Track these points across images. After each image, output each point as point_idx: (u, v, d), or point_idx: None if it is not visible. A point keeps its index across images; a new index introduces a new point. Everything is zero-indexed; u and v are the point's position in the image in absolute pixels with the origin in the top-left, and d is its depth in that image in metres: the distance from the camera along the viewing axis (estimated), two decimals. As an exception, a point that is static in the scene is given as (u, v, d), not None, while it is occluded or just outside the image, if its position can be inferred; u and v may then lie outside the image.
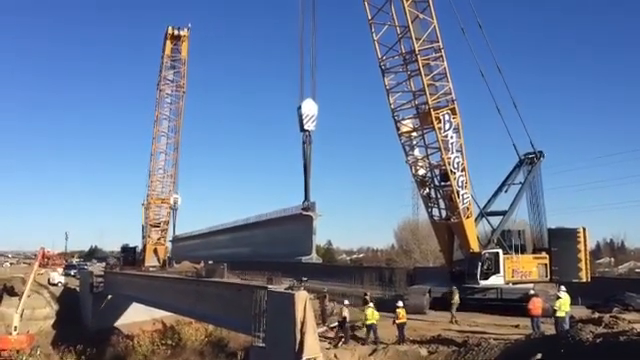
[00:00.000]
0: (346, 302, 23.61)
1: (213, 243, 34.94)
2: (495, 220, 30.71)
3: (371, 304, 22.66)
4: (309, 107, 19.11)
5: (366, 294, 29.61)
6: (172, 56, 52.33)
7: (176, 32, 51.70)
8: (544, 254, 30.30)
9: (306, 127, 19.07)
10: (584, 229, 30.28)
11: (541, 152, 32.29)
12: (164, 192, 52.80)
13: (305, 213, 18.85)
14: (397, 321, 21.62)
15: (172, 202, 52.69)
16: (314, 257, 18.67)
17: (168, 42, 51.89)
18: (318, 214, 17.12)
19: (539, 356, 15.24)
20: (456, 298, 25.59)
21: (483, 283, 27.60)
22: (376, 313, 21.78)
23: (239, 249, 29.52)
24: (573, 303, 21.44)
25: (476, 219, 29.65)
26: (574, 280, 28.91)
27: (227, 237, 30.01)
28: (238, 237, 28.01)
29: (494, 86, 31.64)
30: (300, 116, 19.05)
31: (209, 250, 36.05)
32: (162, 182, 52.69)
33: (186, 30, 52.06)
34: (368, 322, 21.53)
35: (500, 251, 28.59)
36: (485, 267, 27.89)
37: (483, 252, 28.25)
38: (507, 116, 31.51)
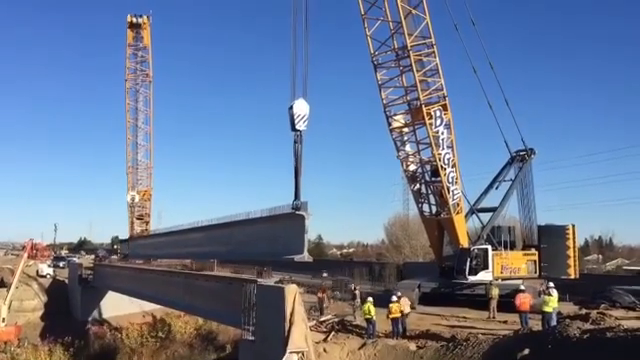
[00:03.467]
0: (399, 293, 23.13)
1: (184, 241, 33.38)
2: (485, 216, 30.95)
3: (370, 299, 22.66)
4: (301, 107, 18.79)
5: (355, 288, 29.73)
6: (135, 45, 51.59)
7: (135, 20, 50.94)
8: (533, 250, 30.60)
9: (297, 127, 18.78)
10: (573, 226, 30.66)
11: (532, 149, 32.60)
12: (142, 184, 52.13)
13: (298, 212, 18.50)
14: (390, 316, 21.70)
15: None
16: (306, 256, 18.49)
17: (129, 30, 51.20)
18: (310, 213, 17.03)
19: (526, 352, 15.33)
20: (495, 292, 24.95)
21: (472, 279, 27.75)
22: (372, 308, 21.83)
23: (215, 247, 28.13)
24: (561, 299, 21.61)
25: (466, 215, 29.83)
26: (563, 277, 29.28)
27: (201, 235, 28.56)
28: (215, 235, 26.64)
29: (486, 82, 31.82)
30: (291, 116, 18.75)
31: (178, 249, 34.73)
32: (135, 174, 51.78)
33: (146, 17, 51.20)
34: (367, 316, 21.61)
35: (489, 247, 28.79)
36: (474, 263, 28.07)
37: (472, 248, 28.44)
38: (499, 112, 31.74)
